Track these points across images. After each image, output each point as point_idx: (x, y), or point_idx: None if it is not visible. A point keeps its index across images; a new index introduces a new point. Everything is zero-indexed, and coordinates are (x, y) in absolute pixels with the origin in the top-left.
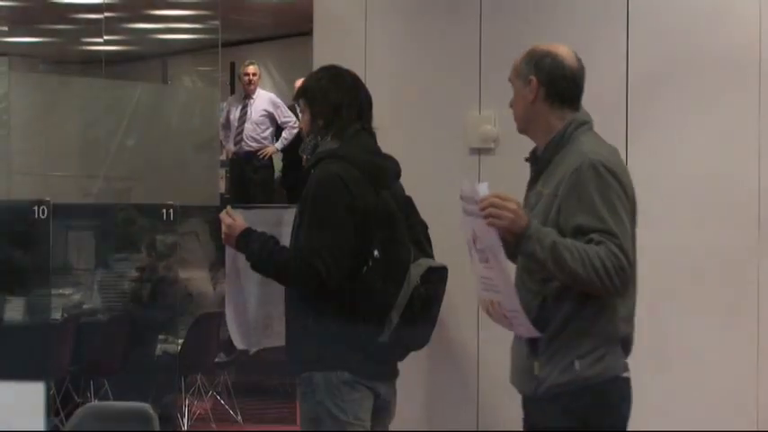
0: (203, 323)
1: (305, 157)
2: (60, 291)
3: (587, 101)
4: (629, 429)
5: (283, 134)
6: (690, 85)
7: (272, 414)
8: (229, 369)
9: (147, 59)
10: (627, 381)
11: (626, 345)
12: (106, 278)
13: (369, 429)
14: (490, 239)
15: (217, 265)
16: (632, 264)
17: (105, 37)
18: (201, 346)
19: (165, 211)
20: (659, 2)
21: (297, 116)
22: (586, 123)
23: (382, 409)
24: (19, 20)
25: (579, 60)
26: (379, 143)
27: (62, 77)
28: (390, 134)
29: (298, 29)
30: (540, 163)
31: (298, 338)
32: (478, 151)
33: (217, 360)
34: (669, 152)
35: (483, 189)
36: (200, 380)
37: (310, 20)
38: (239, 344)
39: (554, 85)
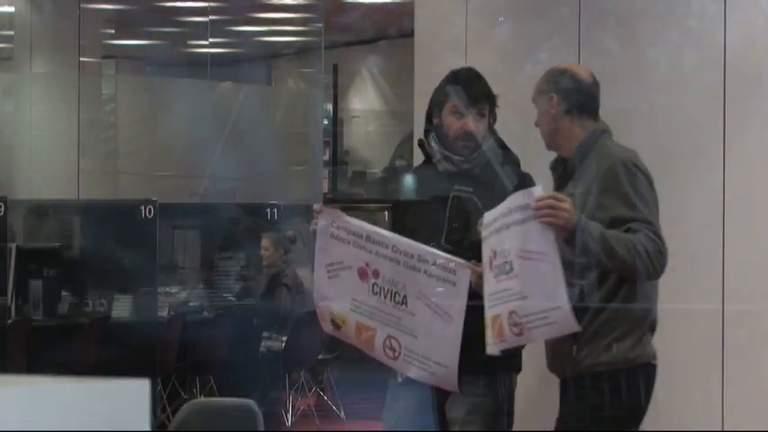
0: (306, 321)
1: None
2: (167, 289)
3: (686, 102)
4: None
5: None
6: None
7: (374, 410)
8: (332, 366)
9: (251, 62)
10: (655, 368)
11: (653, 331)
12: (211, 277)
13: None
14: (545, 239)
15: None
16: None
17: (210, 39)
18: (305, 344)
19: (269, 210)
20: (756, 4)
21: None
22: (607, 131)
23: None
24: (125, 23)
25: (593, 76)
26: None
27: (168, 79)
28: None
29: (399, 31)
30: (569, 167)
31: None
32: None
33: (320, 357)
34: (766, 152)
35: (538, 191)
36: (304, 377)
37: (412, 22)
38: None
39: (571, 99)
